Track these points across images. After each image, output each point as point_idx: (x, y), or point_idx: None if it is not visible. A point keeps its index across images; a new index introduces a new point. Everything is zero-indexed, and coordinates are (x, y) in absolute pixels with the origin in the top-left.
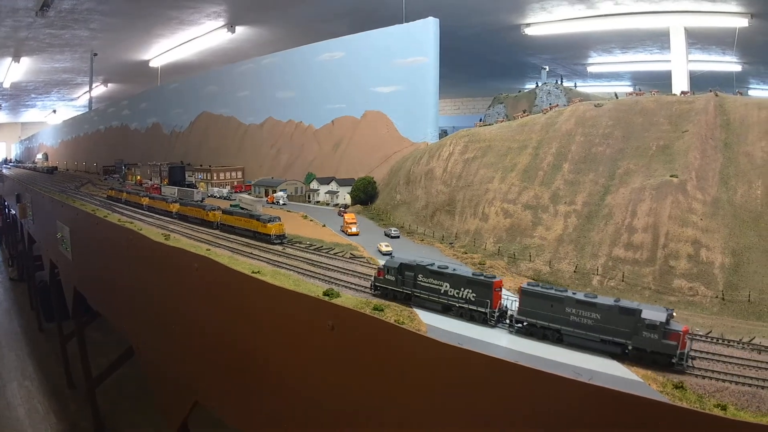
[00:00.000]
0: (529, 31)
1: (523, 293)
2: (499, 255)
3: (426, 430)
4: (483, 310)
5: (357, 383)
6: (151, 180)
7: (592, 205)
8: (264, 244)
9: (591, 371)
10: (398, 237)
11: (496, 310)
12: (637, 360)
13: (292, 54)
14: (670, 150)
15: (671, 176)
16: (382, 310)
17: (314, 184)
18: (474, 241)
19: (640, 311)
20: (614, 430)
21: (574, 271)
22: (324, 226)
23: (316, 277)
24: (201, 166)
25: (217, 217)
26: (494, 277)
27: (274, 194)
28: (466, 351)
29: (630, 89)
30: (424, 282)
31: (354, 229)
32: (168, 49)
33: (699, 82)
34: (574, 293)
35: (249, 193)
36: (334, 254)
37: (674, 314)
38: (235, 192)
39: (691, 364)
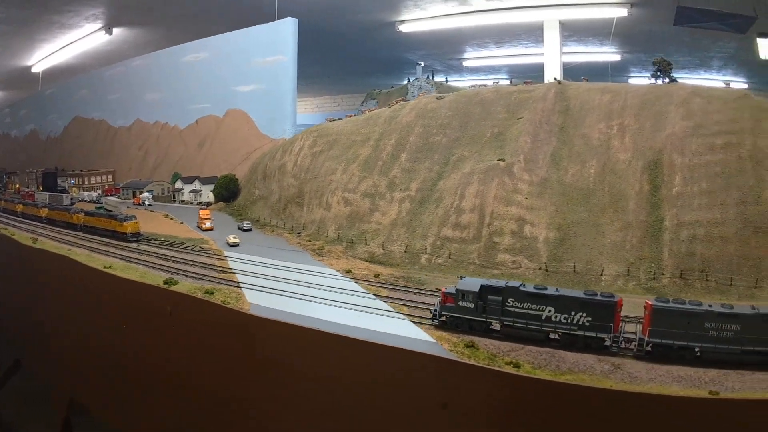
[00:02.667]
0: (403, 28)
1: (654, 312)
2: (338, 241)
3: (261, 397)
4: (603, 335)
5: (196, 361)
6: (28, 187)
7: (425, 191)
8: (121, 243)
9: (394, 336)
10: (250, 230)
11: (620, 335)
12: None
13: (161, 56)
14: (503, 136)
15: (498, 160)
16: (212, 293)
17: (179, 184)
18: (318, 229)
19: None
20: (410, 385)
21: (405, 252)
22: (182, 223)
23: (163, 269)
24: (73, 170)
25: (81, 219)
26: (613, 296)
27: (140, 195)
28: (286, 325)
29: (507, 82)
30: (518, 308)
31: (208, 225)
32: (49, 53)
33: (574, 73)
34: (710, 306)
35: (118, 196)
36: (184, 248)
37: None
38: (106, 195)
39: None
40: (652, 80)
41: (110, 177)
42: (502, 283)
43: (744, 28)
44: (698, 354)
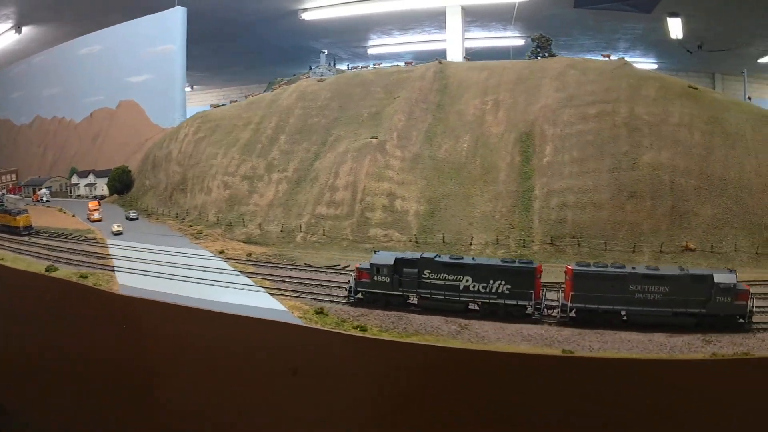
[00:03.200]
0: (306, 16)
1: (575, 276)
2: (218, 224)
3: (134, 370)
4: (524, 303)
5: (78, 343)
6: None
7: (302, 171)
8: (15, 236)
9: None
10: (137, 219)
11: (542, 302)
12: (709, 326)
13: (58, 51)
14: (380, 116)
15: (371, 138)
16: (86, 277)
17: (74, 179)
18: (200, 214)
19: (712, 276)
20: (264, 353)
21: (281, 231)
22: (74, 216)
23: (48, 258)
24: None
25: None
26: (532, 262)
27: (39, 192)
28: (148, 301)
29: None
30: (434, 279)
31: (96, 216)
32: None
33: (477, 58)
34: (634, 268)
35: (20, 195)
36: (71, 238)
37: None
38: (10, 194)
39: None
40: (533, 57)
41: (14, 176)
42: (417, 255)
43: (649, 8)
44: (625, 318)
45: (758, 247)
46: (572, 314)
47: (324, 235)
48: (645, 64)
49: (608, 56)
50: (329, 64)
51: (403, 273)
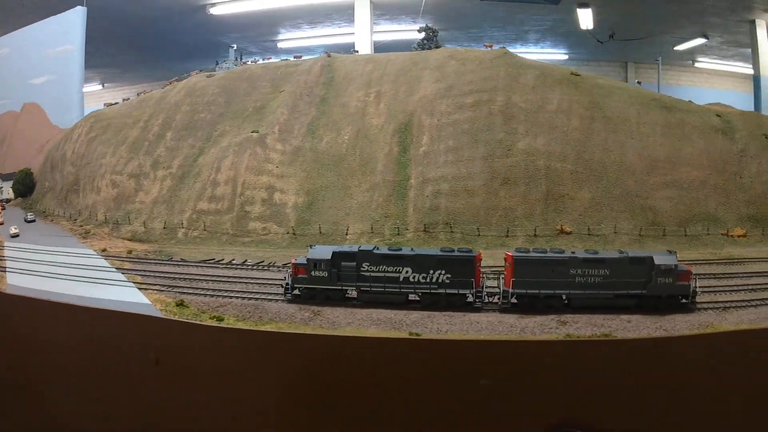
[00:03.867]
0: (215, 11)
1: (516, 262)
2: (106, 223)
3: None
4: (465, 291)
5: None
6: None
7: (186, 167)
8: None
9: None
10: (34, 221)
11: (482, 290)
12: (650, 308)
13: None
14: (264, 110)
15: (252, 132)
16: None
17: None
18: (90, 214)
19: (652, 258)
20: (127, 345)
21: (164, 228)
22: None
23: None
24: None
25: None
26: (471, 251)
27: None
28: (25, 298)
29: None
30: (373, 271)
31: None
32: None
33: (386, 50)
34: (573, 253)
35: None
36: None
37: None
38: None
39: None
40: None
41: None
42: (355, 248)
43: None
44: (566, 302)
45: (642, 228)
46: (513, 300)
47: (205, 230)
48: (556, 55)
49: (490, 46)
50: (236, 60)
51: (342, 267)
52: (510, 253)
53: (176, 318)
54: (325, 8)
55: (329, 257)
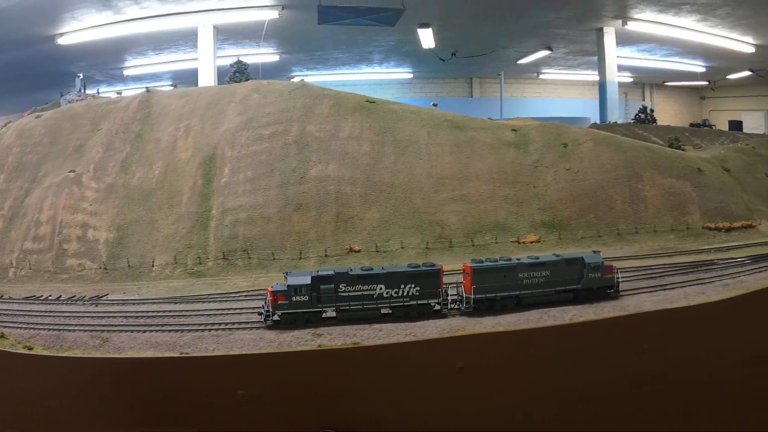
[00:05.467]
0: (62, 41)
1: (475, 272)
2: None
3: None
4: (434, 301)
5: None
6: None
7: (15, 208)
8: None
9: None
10: None
11: (447, 298)
12: (584, 299)
13: None
14: (83, 149)
15: (70, 171)
16: None
17: None
18: None
19: (583, 258)
20: None
21: None
22: None
23: None
24: None
25: None
26: (435, 265)
27: None
28: None
29: (171, 88)
30: (350, 291)
31: None
32: None
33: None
34: (519, 259)
35: None
36: None
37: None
38: None
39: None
40: (232, 82)
41: None
42: (331, 271)
43: (392, 21)
44: (518, 301)
45: (428, 242)
46: (474, 305)
47: (30, 268)
48: (402, 74)
49: (292, 78)
50: (79, 90)
51: (321, 290)
52: (468, 264)
53: None
54: (170, 34)
55: (309, 282)
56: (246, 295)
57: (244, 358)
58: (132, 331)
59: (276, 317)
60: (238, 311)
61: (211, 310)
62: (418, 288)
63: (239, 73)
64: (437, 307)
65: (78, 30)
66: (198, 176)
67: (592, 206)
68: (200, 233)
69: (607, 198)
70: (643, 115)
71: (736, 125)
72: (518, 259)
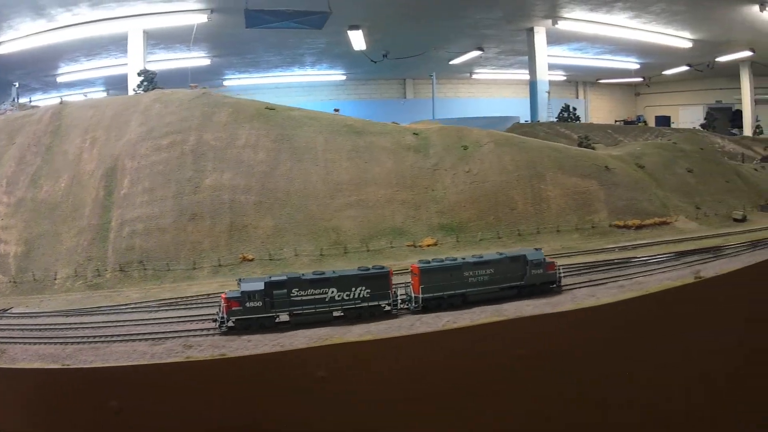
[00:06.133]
0: (1, 50)
1: (423, 272)
2: None
3: None
4: (384, 302)
5: None
6: None
7: None
8: None
9: None
10: None
11: (396, 299)
12: (528, 294)
13: None
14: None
15: None
16: None
17: None
18: None
19: (525, 255)
20: None
21: None
22: None
23: None
24: None
25: None
26: (384, 267)
27: None
28: None
29: (104, 94)
30: (303, 296)
31: None
32: None
33: (162, 80)
34: (464, 258)
35: None
36: None
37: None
38: None
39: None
40: (140, 91)
41: None
42: (283, 277)
43: (320, 24)
44: (464, 298)
45: (322, 249)
46: (422, 304)
47: None
48: (335, 76)
49: (195, 86)
50: (13, 99)
51: (274, 295)
52: (416, 265)
53: None
54: (101, 40)
55: (262, 288)
56: (133, 307)
57: (116, 369)
58: (24, 343)
59: (231, 323)
60: (121, 323)
61: (97, 322)
62: (368, 290)
63: (147, 82)
64: (388, 307)
65: (14, 39)
66: (100, 188)
67: (492, 208)
68: (100, 245)
69: (507, 199)
70: (566, 114)
71: (663, 120)
72: (463, 259)
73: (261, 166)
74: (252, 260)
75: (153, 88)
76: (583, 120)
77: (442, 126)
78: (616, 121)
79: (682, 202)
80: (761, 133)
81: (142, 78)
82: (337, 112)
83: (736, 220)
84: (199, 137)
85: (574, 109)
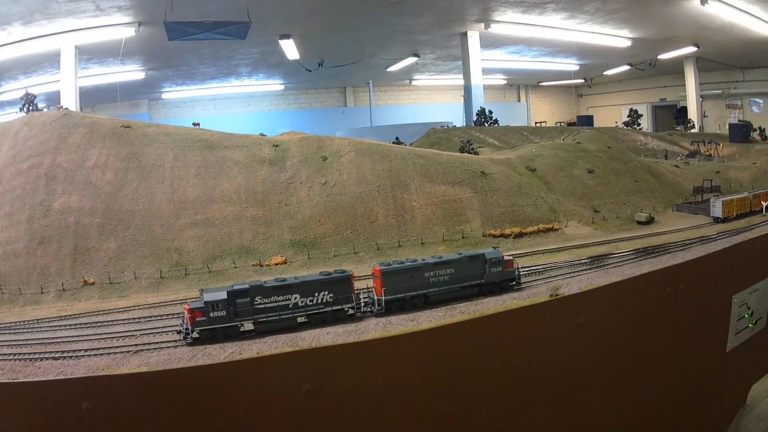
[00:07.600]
0: None
1: (384, 275)
2: None
3: None
4: (347, 306)
5: None
6: None
7: None
8: None
9: None
10: None
11: (360, 302)
12: (489, 292)
13: None
14: None
15: None
16: None
17: None
18: None
19: (484, 254)
20: None
21: None
22: None
23: None
24: None
25: None
26: (345, 271)
27: None
28: None
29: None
30: (266, 303)
31: None
32: None
33: (90, 95)
34: (424, 259)
35: None
36: None
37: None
38: None
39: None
40: (22, 113)
41: None
42: (246, 285)
43: (242, 34)
44: (426, 299)
45: (162, 271)
46: (385, 306)
47: None
48: (273, 85)
49: (61, 107)
50: None
51: (237, 304)
52: (377, 267)
53: None
54: (36, 57)
55: (225, 297)
56: None
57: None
58: None
59: (195, 335)
60: None
61: None
62: (331, 294)
63: (28, 104)
64: (351, 311)
65: None
66: None
67: (350, 221)
68: None
69: (366, 211)
70: (482, 118)
71: (585, 120)
72: (423, 260)
73: (107, 187)
74: (93, 284)
75: (35, 110)
76: (525, 123)
77: (305, 136)
78: (557, 122)
79: (577, 205)
80: (693, 128)
81: (23, 101)
82: (197, 126)
83: (639, 222)
84: (53, 160)
85: (490, 112)
